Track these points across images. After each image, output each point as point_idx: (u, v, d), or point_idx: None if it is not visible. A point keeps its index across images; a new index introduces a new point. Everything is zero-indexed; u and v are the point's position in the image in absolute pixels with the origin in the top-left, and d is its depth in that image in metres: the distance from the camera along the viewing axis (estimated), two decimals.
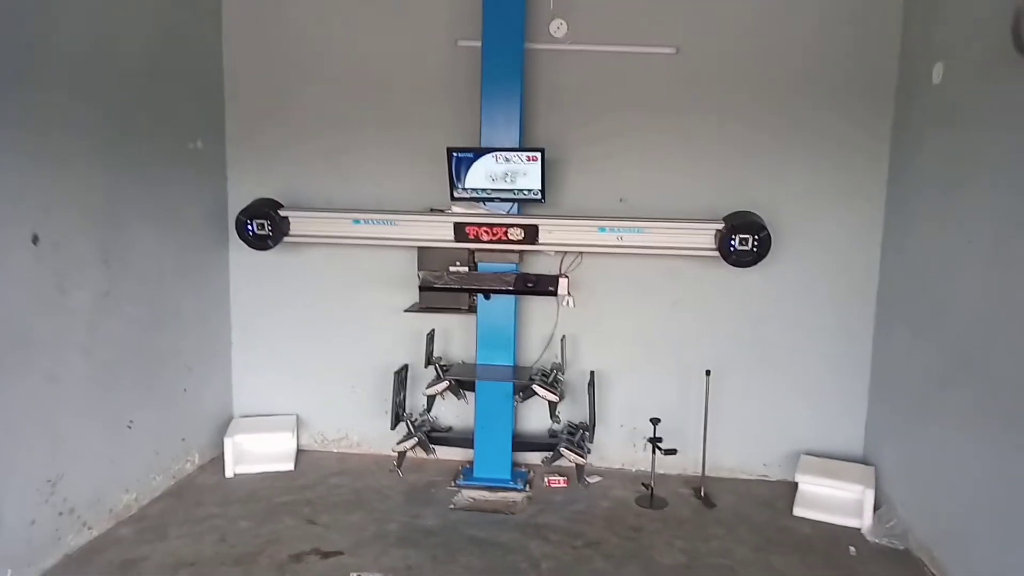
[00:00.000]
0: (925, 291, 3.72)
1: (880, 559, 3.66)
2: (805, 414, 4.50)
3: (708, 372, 4.31)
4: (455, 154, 4.11)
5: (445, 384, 4.30)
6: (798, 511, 4.11)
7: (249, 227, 4.27)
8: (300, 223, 4.34)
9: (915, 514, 3.72)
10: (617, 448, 4.68)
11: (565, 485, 4.42)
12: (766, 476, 4.58)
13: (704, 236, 4.09)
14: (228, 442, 4.46)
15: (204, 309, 4.54)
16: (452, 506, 4.13)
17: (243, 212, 4.29)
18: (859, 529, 3.93)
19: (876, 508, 3.97)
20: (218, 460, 4.54)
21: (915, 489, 3.75)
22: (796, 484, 4.21)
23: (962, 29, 3.46)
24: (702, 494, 4.29)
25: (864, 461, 4.36)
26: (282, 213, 4.30)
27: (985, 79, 3.19)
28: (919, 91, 3.87)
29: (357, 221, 4.25)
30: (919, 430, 3.72)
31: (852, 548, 3.76)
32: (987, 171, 3.17)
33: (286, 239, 4.35)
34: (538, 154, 4.03)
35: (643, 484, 4.34)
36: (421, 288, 4.19)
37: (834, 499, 4.09)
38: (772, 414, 4.53)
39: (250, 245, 4.34)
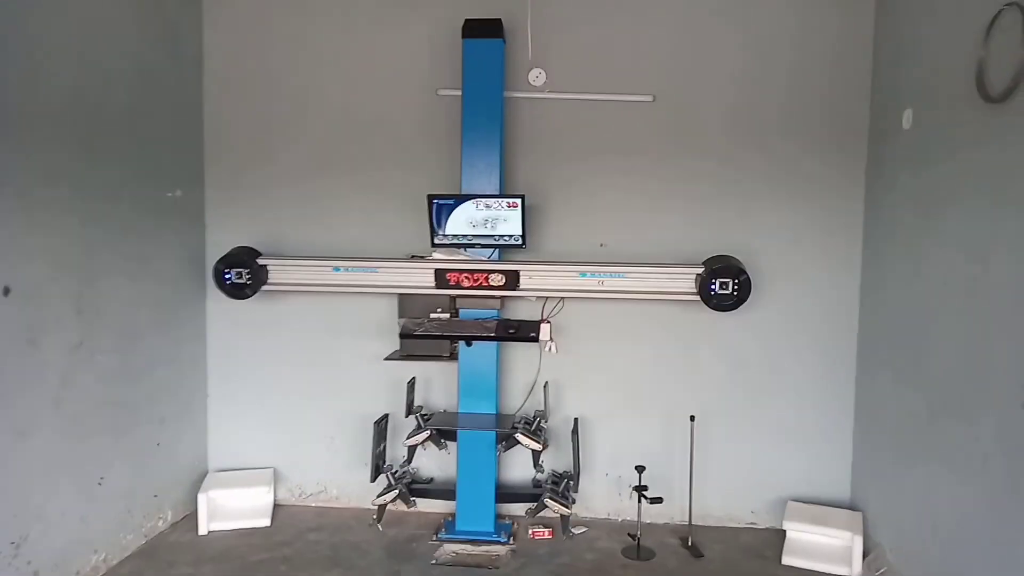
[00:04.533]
0: (904, 333, 3.73)
1: None
2: (791, 460, 4.46)
3: (692, 418, 4.27)
4: (436, 201, 4.12)
5: (426, 434, 4.21)
6: (787, 559, 4.04)
7: (227, 276, 4.22)
8: (279, 271, 4.30)
9: (905, 559, 3.66)
10: (602, 497, 4.59)
11: (550, 537, 4.31)
12: (754, 524, 4.50)
13: (684, 281, 4.10)
14: (202, 498, 4.32)
15: (180, 360, 4.45)
16: (434, 561, 4.01)
17: (221, 260, 4.25)
18: None
19: (865, 555, 3.90)
20: (192, 516, 4.40)
21: (903, 534, 3.70)
22: (784, 532, 4.14)
23: (929, 77, 3.56)
24: (690, 544, 4.21)
25: (852, 506, 4.31)
26: (260, 261, 4.26)
27: (952, 125, 3.27)
28: (890, 136, 3.96)
29: (337, 268, 4.22)
30: (905, 474, 3.69)
31: None
32: (957, 214, 3.22)
33: (264, 288, 4.30)
34: (518, 200, 4.05)
35: (629, 535, 4.25)
36: (401, 335, 4.13)
37: (823, 546, 4.02)
38: (758, 460, 4.48)
39: (228, 294, 4.28)
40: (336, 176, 4.59)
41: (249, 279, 4.21)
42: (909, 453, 3.65)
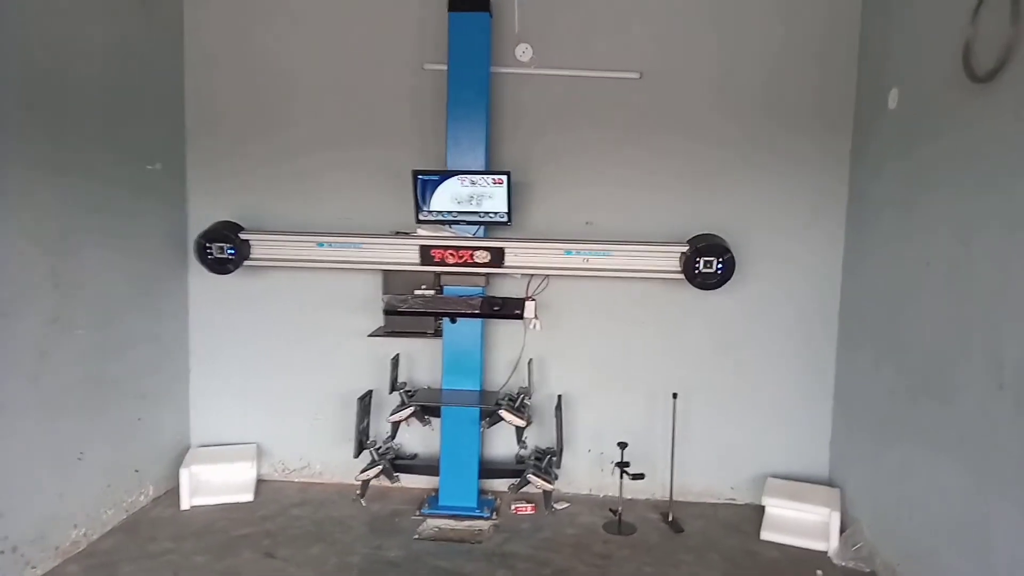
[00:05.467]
0: (886, 312, 3.76)
1: None
2: (771, 436, 4.51)
3: (675, 395, 4.30)
4: (420, 177, 4.07)
5: (410, 410, 4.21)
6: (765, 535, 4.10)
7: (209, 250, 4.17)
8: (262, 246, 4.25)
9: (881, 536, 3.73)
10: (585, 473, 4.63)
11: (532, 512, 4.35)
12: (734, 499, 4.56)
13: (669, 259, 4.11)
14: (184, 473, 4.30)
15: (161, 335, 4.41)
16: (417, 536, 4.03)
17: (203, 235, 4.19)
18: (826, 552, 3.93)
19: (843, 530, 3.97)
20: (174, 492, 4.38)
21: (881, 510, 3.76)
22: (763, 507, 4.20)
23: (915, 56, 3.55)
24: (670, 519, 4.25)
25: (830, 483, 4.37)
26: (243, 236, 4.21)
27: (939, 104, 3.27)
28: (876, 115, 3.96)
29: (321, 244, 4.18)
30: (883, 451, 3.74)
31: (819, 572, 3.74)
32: (941, 194, 3.23)
33: (247, 263, 4.26)
34: (504, 177, 4.02)
35: (611, 510, 4.29)
36: (385, 312, 4.12)
37: (801, 522, 4.08)
38: (739, 437, 4.53)
39: (210, 269, 4.23)
40: (321, 151, 4.52)
41: (232, 254, 4.17)
42: (887, 431, 3.70)
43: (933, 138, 3.32)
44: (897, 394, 3.59)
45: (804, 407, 4.47)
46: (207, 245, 4.16)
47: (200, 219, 4.45)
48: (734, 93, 4.34)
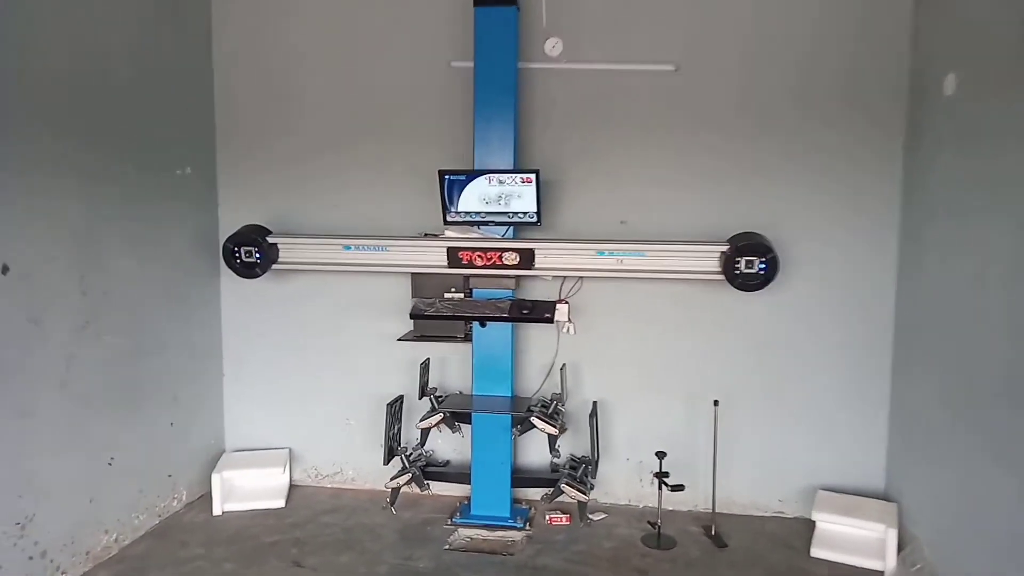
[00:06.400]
0: (947, 316, 3.47)
1: None
2: (821, 447, 4.25)
3: (716, 402, 4.09)
4: (447, 176, 3.97)
5: (439, 417, 4.11)
6: (816, 551, 3.85)
7: (237, 254, 4.15)
8: (289, 250, 4.21)
9: (944, 556, 3.44)
10: (622, 483, 4.44)
11: (567, 523, 4.19)
12: (782, 512, 4.31)
13: (708, 259, 3.90)
14: (216, 478, 4.29)
15: (193, 339, 4.41)
16: (447, 546, 3.92)
17: (230, 239, 4.18)
18: (882, 572, 3.67)
19: (900, 549, 3.69)
20: (207, 497, 4.37)
21: (944, 529, 3.47)
22: (813, 522, 3.95)
23: (975, 38, 3.26)
24: (712, 533, 4.04)
25: (886, 497, 4.09)
26: (270, 240, 4.17)
27: (1001, 89, 2.99)
28: (930, 105, 3.67)
29: (348, 247, 4.11)
30: (947, 464, 3.45)
31: None
32: (1007, 190, 2.94)
33: (275, 266, 4.22)
34: (532, 175, 3.88)
35: (649, 522, 4.10)
36: (412, 316, 4.02)
37: (854, 539, 3.82)
38: (786, 447, 4.28)
39: (238, 273, 4.22)
40: (349, 152, 4.46)
41: (259, 258, 4.14)
42: (950, 442, 3.41)
43: (997, 127, 3.03)
44: (963, 403, 3.30)
45: (857, 416, 4.19)
46: (235, 249, 4.14)
47: (230, 223, 4.43)
48: (776, 84, 4.10)
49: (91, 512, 3.62)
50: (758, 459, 4.30)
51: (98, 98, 3.62)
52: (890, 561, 3.67)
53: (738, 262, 3.77)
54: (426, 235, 4.17)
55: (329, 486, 4.69)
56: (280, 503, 4.40)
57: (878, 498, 4.08)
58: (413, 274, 4.19)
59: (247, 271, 4.18)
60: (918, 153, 3.82)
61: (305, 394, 4.67)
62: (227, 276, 4.49)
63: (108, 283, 3.69)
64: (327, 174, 4.49)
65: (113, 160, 3.72)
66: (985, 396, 3.11)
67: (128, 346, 3.84)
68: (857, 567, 3.72)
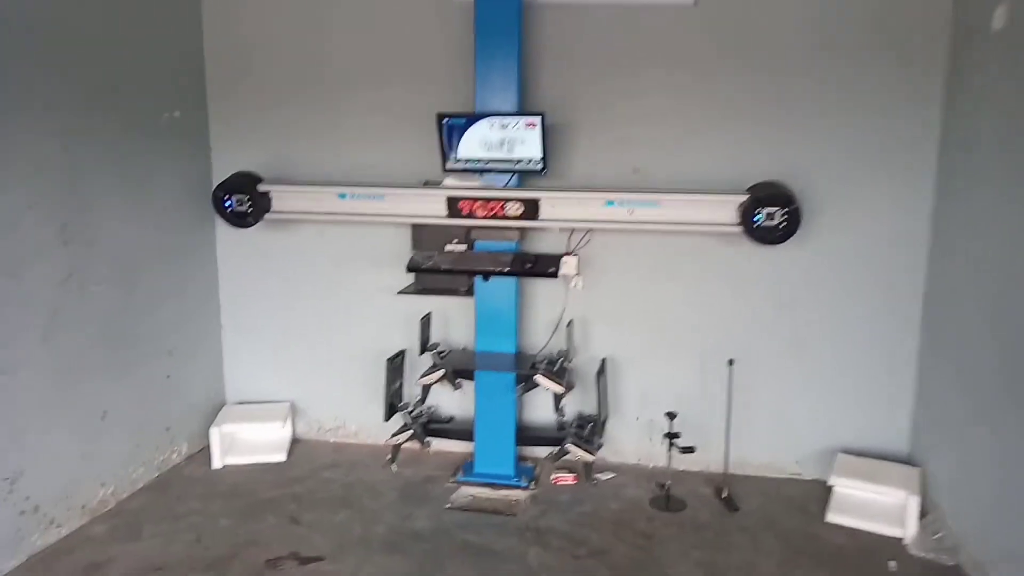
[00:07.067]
0: (994, 274, 3.16)
1: None
2: (842, 407, 4.04)
3: (731, 361, 3.87)
4: (446, 120, 3.71)
5: (440, 373, 3.95)
6: (832, 517, 3.67)
7: (227, 203, 3.98)
8: (282, 198, 4.01)
9: (969, 527, 3.25)
10: (632, 442, 4.29)
11: (574, 482, 4.06)
12: (798, 475, 4.14)
13: (725, 210, 3.63)
14: (214, 432, 4.21)
15: (187, 290, 4.27)
16: (449, 505, 3.81)
17: (220, 187, 3.99)
18: (901, 539, 3.48)
19: (922, 516, 3.50)
20: (208, 451, 4.29)
21: (971, 498, 3.27)
22: (831, 485, 3.77)
23: None
24: (724, 495, 3.88)
25: (909, 461, 3.88)
26: (261, 188, 3.97)
27: None
28: (977, 41, 3.31)
29: (343, 195, 3.90)
30: (981, 431, 3.21)
31: (892, 563, 3.31)
32: None
33: (268, 216, 4.03)
34: (537, 119, 3.61)
35: (659, 484, 3.95)
36: (409, 269, 3.82)
37: (874, 504, 3.64)
38: (805, 407, 4.08)
39: (229, 222, 4.05)
40: (345, 96, 4.21)
41: (250, 207, 3.95)
42: (989, 408, 3.16)
43: None
44: (1006, 367, 3.04)
45: (881, 375, 3.96)
46: (225, 197, 3.95)
47: (224, 169, 4.23)
48: (802, 20, 3.75)
49: (85, 467, 3.55)
50: (775, 420, 4.11)
51: (77, 34, 3.40)
52: (910, 528, 3.49)
53: (758, 213, 3.50)
54: (427, 183, 3.95)
55: (332, 440, 4.60)
56: (281, 457, 4.32)
57: (901, 462, 3.88)
58: (413, 225, 3.99)
59: (238, 220, 4.00)
60: (963, 93, 3.47)
61: (306, 347, 4.54)
62: (222, 225, 4.32)
63: (92, 232, 3.52)
64: (325, 120, 4.24)
65: (95, 101, 3.51)
66: None
67: (117, 297, 3.71)
68: (875, 533, 3.54)
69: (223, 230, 4.39)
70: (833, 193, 3.81)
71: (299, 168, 4.25)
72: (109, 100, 3.60)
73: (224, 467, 4.21)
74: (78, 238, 3.44)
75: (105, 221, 3.60)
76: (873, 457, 3.93)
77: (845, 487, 3.74)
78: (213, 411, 4.45)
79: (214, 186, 4.22)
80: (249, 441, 4.35)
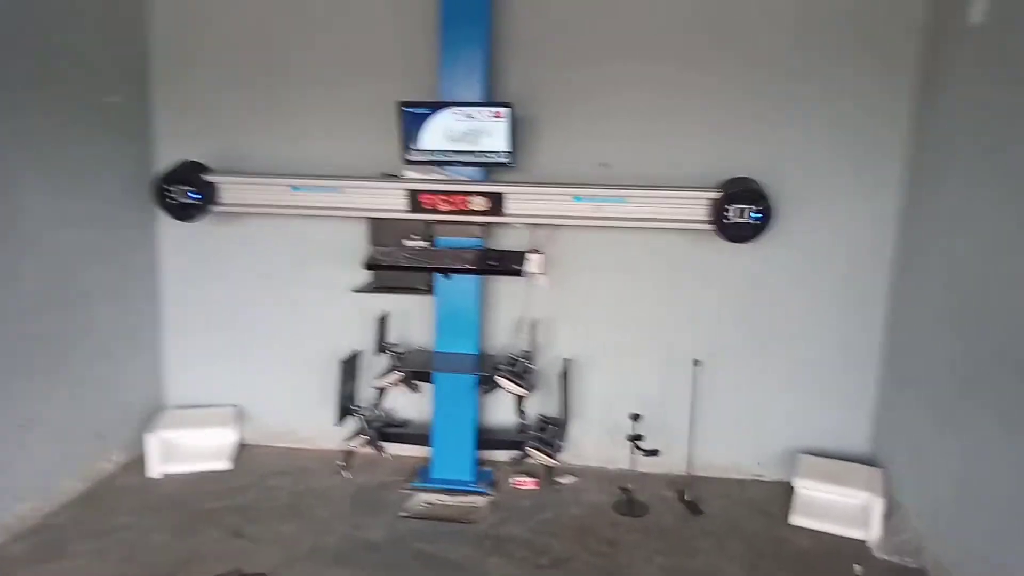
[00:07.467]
0: (959, 275, 3.16)
1: None
2: (805, 408, 4.01)
3: (696, 362, 3.80)
4: (407, 109, 3.54)
5: (397, 375, 3.77)
6: (796, 519, 3.63)
7: (170, 195, 3.70)
8: (231, 190, 3.78)
9: (934, 527, 3.24)
10: (594, 444, 4.18)
11: (535, 487, 3.93)
12: (761, 476, 4.10)
13: (696, 207, 3.56)
14: (150, 438, 3.93)
15: (127, 287, 3.99)
16: (404, 513, 3.63)
17: (162, 177, 3.73)
18: (865, 542, 3.46)
19: (886, 517, 3.49)
20: (145, 458, 4.01)
21: (934, 498, 3.26)
22: (793, 486, 3.73)
23: None
24: (688, 499, 3.80)
25: (871, 462, 3.88)
26: (208, 178, 3.72)
27: None
28: (952, 34, 3.30)
29: (297, 187, 3.69)
30: (942, 430, 3.22)
31: (858, 567, 3.27)
32: None
33: (215, 209, 3.79)
34: (504, 110, 3.47)
35: (621, 488, 3.85)
36: (366, 266, 3.63)
37: (837, 506, 3.62)
38: (768, 408, 4.04)
39: (173, 216, 3.79)
40: (300, 82, 4.00)
41: (196, 199, 3.69)
42: (950, 408, 3.17)
43: None
44: (966, 368, 3.04)
45: (844, 376, 3.95)
46: (169, 189, 3.68)
47: (169, 160, 3.96)
48: (776, 14, 3.71)
49: (4, 479, 3.24)
50: (738, 421, 4.06)
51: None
52: (874, 530, 3.46)
53: (728, 210, 3.43)
54: (385, 176, 3.77)
55: (280, 446, 4.36)
56: (225, 465, 4.07)
57: (863, 462, 3.87)
58: (370, 219, 3.79)
59: (183, 213, 3.74)
60: (935, 88, 3.47)
61: (255, 347, 4.30)
62: (166, 219, 4.03)
63: (18, 225, 3.24)
64: (279, 108, 4.03)
65: (23, 83, 3.22)
66: (988, 360, 2.85)
67: (43, 294, 3.42)
68: (839, 536, 3.51)
69: (166, 224, 4.10)
70: (802, 191, 3.78)
71: (250, 159, 4.01)
72: (40, 82, 3.32)
73: (162, 476, 3.94)
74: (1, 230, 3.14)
75: (32, 211, 3.32)
76: (835, 458, 3.91)
77: (808, 489, 3.71)
78: (151, 416, 4.16)
79: (156, 177, 3.95)
80: (190, 448, 4.08)
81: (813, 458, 3.89)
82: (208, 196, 3.73)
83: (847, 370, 3.94)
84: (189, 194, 3.69)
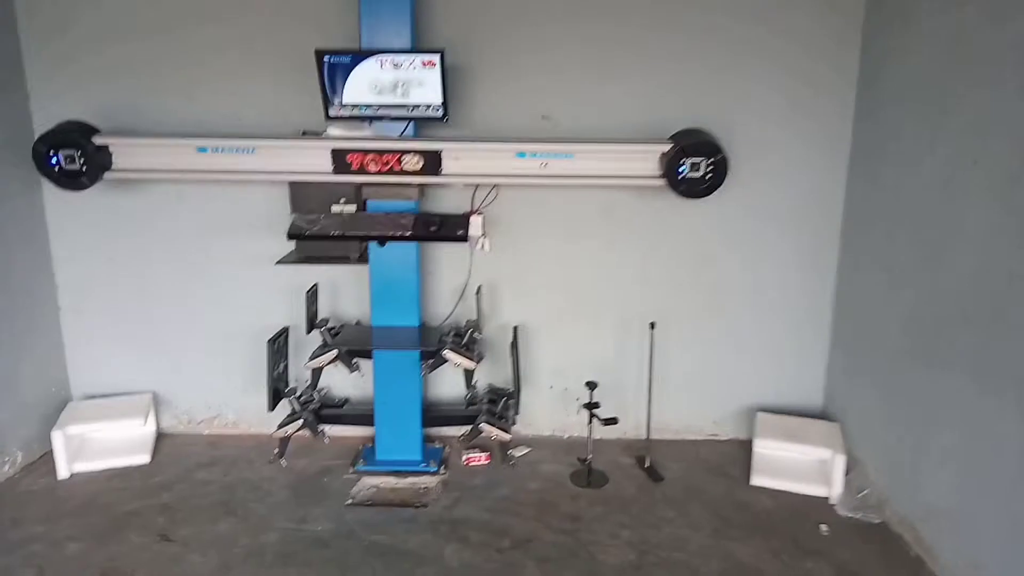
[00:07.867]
0: (908, 226, 3.07)
1: (855, 538, 3.12)
2: (758, 365, 3.92)
3: (653, 324, 3.62)
4: (327, 58, 3.13)
5: (332, 354, 3.45)
6: (756, 479, 3.55)
7: (53, 159, 3.21)
8: (126, 153, 3.30)
9: (893, 482, 3.20)
10: (546, 412, 4.00)
11: (487, 462, 3.72)
12: (716, 435, 4.01)
13: (647, 161, 3.32)
14: (57, 435, 3.53)
15: (11, 266, 3.50)
16: (350, 500, 3.37)
17: (42, 139, 3.22)
18: (827, 499, 3.40)
19: (846, 472, 3.43)
20: (50, 457, 3.60)
21: (891, 452, 3.22)
22: (750, 443, 3.65)
23: None
24: (647, 465, 3.66)
25: (824, 416, 3.82)
26: (98, 141, 3.24)
27: None
28: None
29: (203, 149, 3.26)
30: (895, 382, 3.17)
31: (824, 526, 3.21)
32: (999, 70, 2.47)
33: (108, 175, 3.32)
34: (436, 57, 3.11)
35: (579, 458, 3.68)
36: (290, 236, 3.25)
37: (797, 464, 3.55)
38: (721, 366, 3.93)
39: (58, 184, 3.29)
40: (203, 29, 3.52)
41: (84, 164, 3.21)
42: (903, 360, 3.12)
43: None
44: (918, 320, 2.99)
45: (798, 332, 3.87)
46: (50, 153, 3.19)
47: (48, 120, 3.45)
48: None
49: None
50: (691, 381, 3.94)
51: None
52: (836, 487, 3.40)
53: (682, 164, 3.20)
54: (305, 134, 3.37)
55: (206, 433, 4.00)
56: (144, 459, 3.70)
57: (816, 416, 3.81)
58: (292, 183, 3.40)
59: (70, 181, 3.25)
60: (883, 25, 3.30)
61: (169, 329, 3.89)
62: (51, 188, 3.55)
63: None
64: (178, 58, 3.55)
65: None
66: (948, 315, 2.78)
67: None
68: (801, 494, 3.44)
69: (52, 194, 3.61)
70: (752, 144, 3.59)
71: (146, 117, 3.54)
72: None
73: (72, 476, 3.55)
74: None
75: None
76: (790, 413, 3.83)
77: (768, 448, 3.61)
78: (55, 410, 3.73)
79: (35, 139, 3.43)
80: (103, 442, 3.70)
81: (771, 416, 3.80)
82: (98, 160, 3.25)
83: (801, 326, 3.86)
84: (75, 158, 3.19)
